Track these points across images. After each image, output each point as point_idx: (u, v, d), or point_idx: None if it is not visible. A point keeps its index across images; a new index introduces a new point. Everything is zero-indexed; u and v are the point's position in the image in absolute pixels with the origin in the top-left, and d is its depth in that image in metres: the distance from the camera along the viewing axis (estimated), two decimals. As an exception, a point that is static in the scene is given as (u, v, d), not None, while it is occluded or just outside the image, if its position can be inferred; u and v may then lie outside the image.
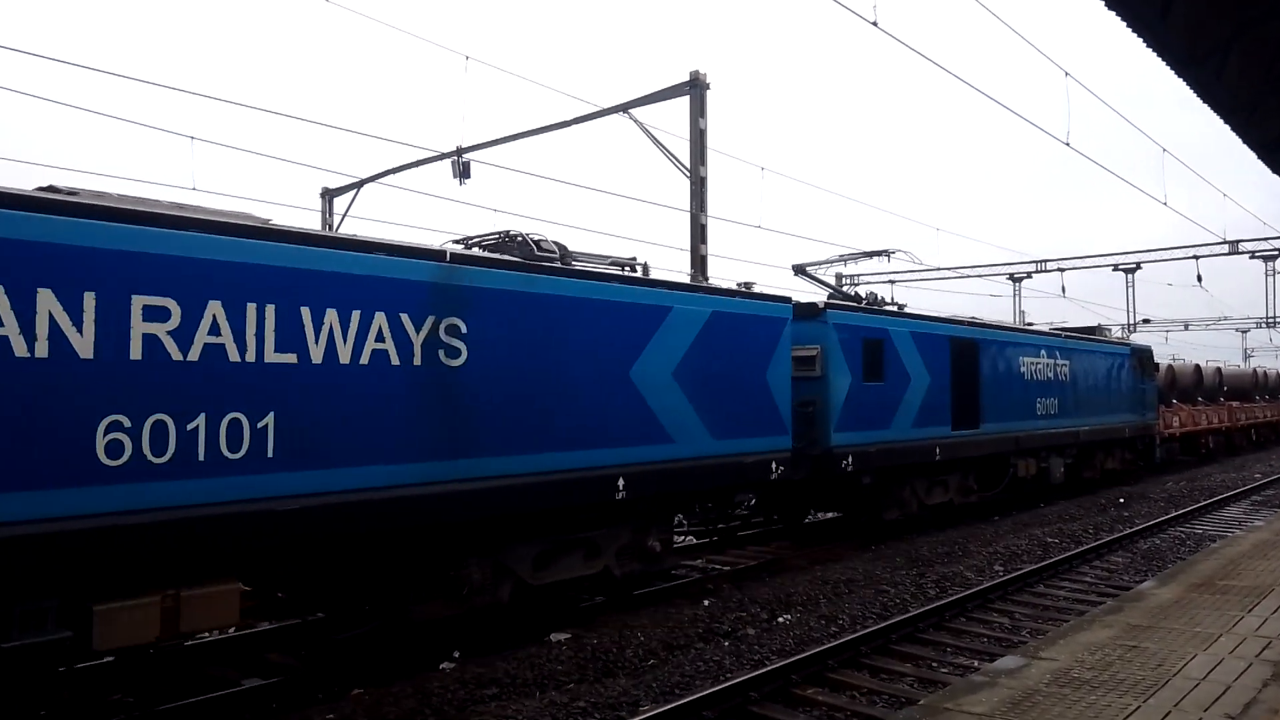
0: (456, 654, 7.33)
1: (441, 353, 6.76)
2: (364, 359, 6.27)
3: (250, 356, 5.73)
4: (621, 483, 8.14)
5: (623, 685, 6.45)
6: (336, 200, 19.17)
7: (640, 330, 8.45)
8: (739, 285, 10.38)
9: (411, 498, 6.48)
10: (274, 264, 5.77)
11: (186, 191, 13.68)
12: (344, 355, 6.19)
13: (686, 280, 11.41)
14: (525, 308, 7.24)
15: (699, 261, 13.31)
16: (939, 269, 30.06)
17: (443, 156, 16.25)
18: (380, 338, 6.32)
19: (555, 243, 8.62)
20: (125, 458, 5.15)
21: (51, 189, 5.34)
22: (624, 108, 13.62)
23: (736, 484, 9.64)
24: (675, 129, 14.12)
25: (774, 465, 9.92)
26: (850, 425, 11.30)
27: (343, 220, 18.60)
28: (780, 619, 8.55)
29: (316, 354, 6.03)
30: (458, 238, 8.73)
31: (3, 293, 4.70)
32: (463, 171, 15.39)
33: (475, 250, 8.29)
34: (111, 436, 5.09)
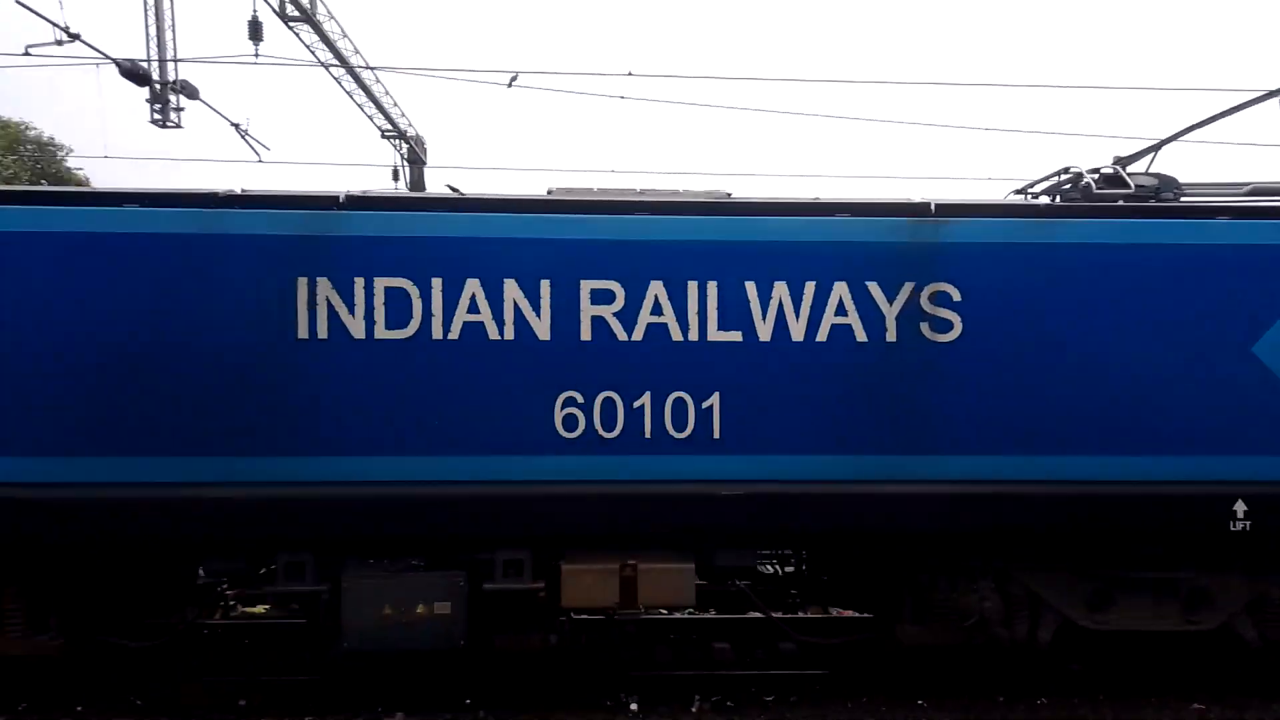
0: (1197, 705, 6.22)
1: (925, 326, 5.77)
2: (820, 336, 5.73)
3: (693, 335, 5.74)
4: (1240, 508, 5.82)
5: None
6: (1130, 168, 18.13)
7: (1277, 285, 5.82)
8: None
9: (878, 496, 5.75)
10: (714, 239, 5.78)
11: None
12: (796, 332, 5.76)
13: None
14: (1051, 266, 5.76)
15: None
16: None
17: (1269, 95, 13.68)
18: (841, 311, 5.72)
19: (1154, 175, 6.55)
20: (579, 431, 5.66)
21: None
22: None
23: None
24: None
25: None
26: None
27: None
28: None
29: (764, 331, 5.76)
30: (1017, 187, 7.31)
31: (479, 285, 5.50)
32: (1294, 107, 12.59)
33: (1040, 199, 6.74)
34: (567, 411, 5.63)
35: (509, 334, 5.66)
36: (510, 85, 8.88)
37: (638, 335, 5.71)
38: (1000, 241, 5.76)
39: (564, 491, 5.62)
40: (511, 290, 5.66)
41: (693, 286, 5.72)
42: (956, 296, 5.74)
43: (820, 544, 6.27)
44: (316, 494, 5.55)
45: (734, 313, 5.71)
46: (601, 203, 5.79)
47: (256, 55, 16.64)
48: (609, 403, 5.66)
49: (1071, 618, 6.06)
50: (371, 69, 20.15)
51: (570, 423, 5.64)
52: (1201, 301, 5.73)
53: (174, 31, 16.39)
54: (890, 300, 5.74)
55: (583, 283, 5.68)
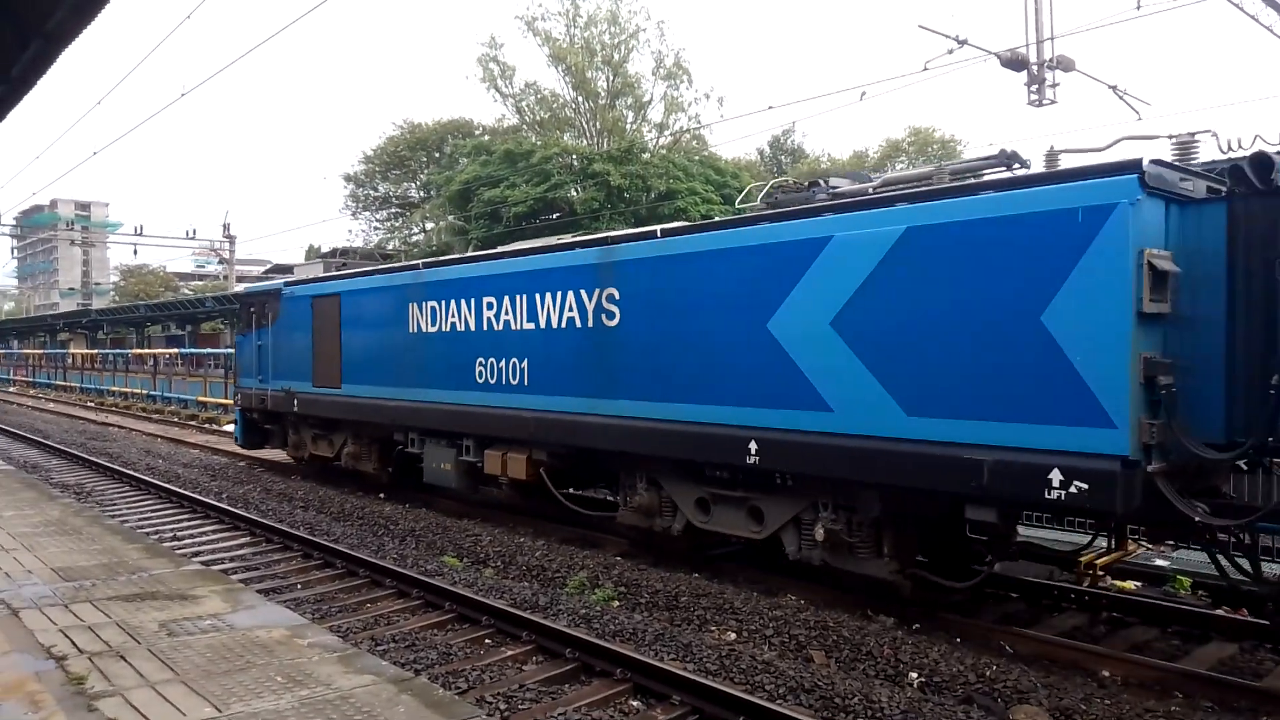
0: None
1: (604, 316, 9.58)
2: (560, 324, 10.12)
3: (521, 326, 10.65)
4: (753, 447, 8.12)
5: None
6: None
7: (781, 274, 7.94)
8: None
9: (597, 425, 9.65)
10: (519, 271, 10.59)
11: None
12: (557, 322, 10.19)
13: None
14: (662, 269, 9.02)
15: None
16: None
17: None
18: (567, 308, 10.00)
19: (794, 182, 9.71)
20: (492, 380, 11.13)
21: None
22: None
23: (965, 494, 6.85)
24: None
25: (1057, 478, 6.29)
26: None
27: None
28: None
29: (544, 321, 10.33)
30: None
31: (454, 302, 11.68)
32: None
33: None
34: (483, 368, 11.22)
35: (461, 327, 11.60)
36: None
37: (501, 327, 10.93)
38: (638, 257, 9.25)
39: (481, 411, 11.24)
40: (463, 305, 11.53)
41: (520, 298, 10.57)
42: (618, 295, 9.42)
43: (585, 453, 10.25)
44: (414, 407, 12.45)
45: (531, 312, 10.51)
46: (483, 255, 11.92)
47: (1139, 7, 16.67)
48: (493, 364, 10.96)
49: (690, 518, 9.16)
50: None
51: (480, 374, 11.23)
52: (733, 292, 8.31)
53: (1050, 11, 16.99)
54: (589, 299, 9.70)
55: (484, 298, 11.20)
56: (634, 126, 49.97)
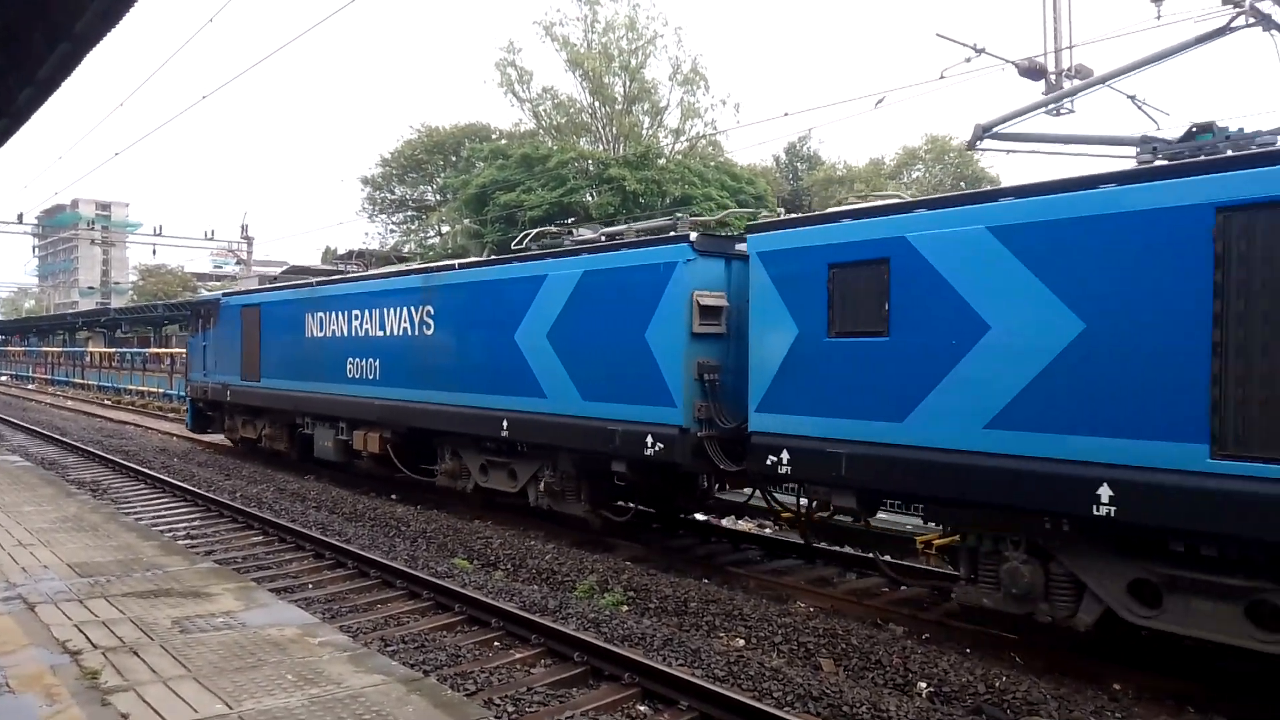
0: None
1: (424, 328, 12.98)
2: (398, 333, 13.71)
3: (375, 334, 14.13)
4: (505, 424, 11.48)
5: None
6: None
7: (522, 299, 11.37)
8: (648, 230, 10.82)
9: (419, 409, 12.96)
10: (370, 291, 14.30)
11: None
12: (396, 331, 13.72)
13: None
14: (458, 293, 12.50)
15: None
16: None
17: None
18: (402, 320, 13.53)
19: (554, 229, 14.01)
20: (357, 375, 14.52)
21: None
22: None
23: (608, 453, 10.34)
24: None
25: (649, 441, 9.77)
26: (793, 404, 8.39)
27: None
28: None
29: (389, 330, 13.78)
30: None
31: (337, 314, 14.95)
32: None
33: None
34: (352, 366, 14.61)
35: (338, 333, 15.12)
36: None
37: (363, 334, 14.35)
38: (449, 284, 12.56)
39: (351, 400, 14.61)
40: (339, 316, 15.01)
41: (375, 311, 13.78)
42: (433, 311, 12.79)
43: (415, 432, 13.46)
44: (302, 396, 15.99)
45: (380, 323, 13.76)
46: (354, 276, 15.49)
47: (1159, 17, 16.40)
48: (358, 362, 14.30)
49: (476, 479, 12.44)
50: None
51: (352, 371, 14.59)
52: (498, 310, 11.63)
53: (1069, 20, 17.92)
54: (415, 313, 13.08)
55: (351, 310, 14.77)
56: (650, 132, 50.76)
